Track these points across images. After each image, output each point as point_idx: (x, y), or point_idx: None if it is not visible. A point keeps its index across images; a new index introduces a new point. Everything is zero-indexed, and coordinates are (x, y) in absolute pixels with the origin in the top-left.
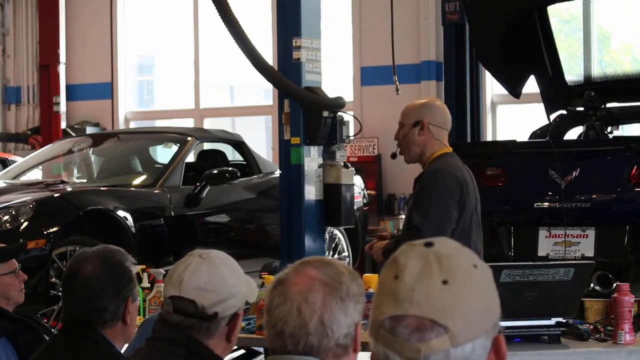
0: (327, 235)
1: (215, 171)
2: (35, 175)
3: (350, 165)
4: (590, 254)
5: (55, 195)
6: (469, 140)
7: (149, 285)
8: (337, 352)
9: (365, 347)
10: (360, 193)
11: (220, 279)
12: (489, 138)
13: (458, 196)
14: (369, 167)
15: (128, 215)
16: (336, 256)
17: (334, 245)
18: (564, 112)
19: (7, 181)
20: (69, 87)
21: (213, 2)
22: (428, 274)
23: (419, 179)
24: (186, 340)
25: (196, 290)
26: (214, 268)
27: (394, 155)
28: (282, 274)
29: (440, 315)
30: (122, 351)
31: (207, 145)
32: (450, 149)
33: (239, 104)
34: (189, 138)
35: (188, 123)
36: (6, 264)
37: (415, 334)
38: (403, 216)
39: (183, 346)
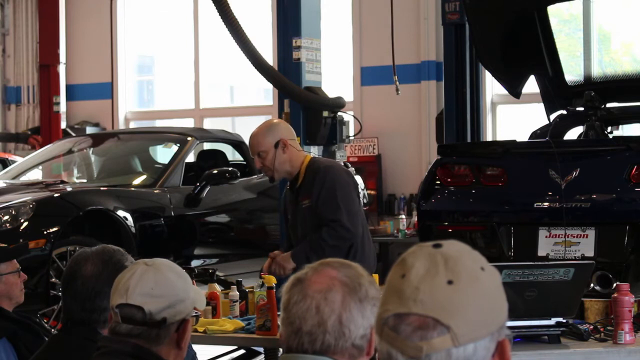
0: None
1: (215, 171)
2: (35, 175)
3: (350, 165)
4: (590, 254)
5: (55, 195)
6: (469, 140)
7: None
8: (352, 353)
9: None
10: (360, 193)
11: (167, 284)
12: (489, 138)
13: (355, 189)
14: (369, 167)
15: (128, 215)
16: None
17: None
18: (564, 112)
19: (7, 181)
20: (69, 87)
21: (213, 2)
22: (434, 274)
23: (309, 185)
24: (131, 350)
25: (143, 296)
26: (160, 274)
27: (272, 180)
28: (301, 273)
29: (443, 314)
30: None
31: (207, 145)
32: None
33: (239, 104)
34: (189, 138)
35: (188, 123)
36: (9, 264)
37: (418, 332)
38: (403, 216)
39: (129, 355)
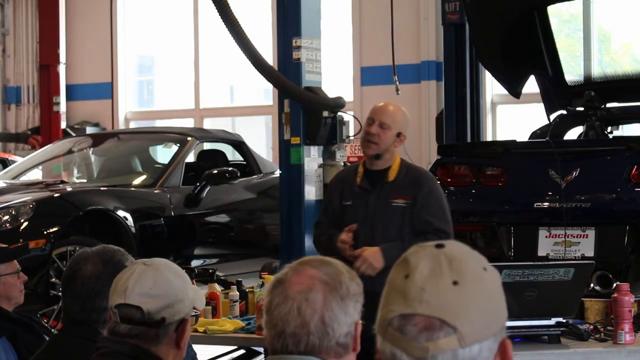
0: None
1: (215, 171)
2: (35, 175)
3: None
4: (590, 254)
5: (55, 195)
6: (469, 140)
7: None
8: (338, 352)
9: None
10: None
11: (165, 284)
12: (489, 138)
13: None
14: None
15: (128, 215)
16: None
17: None
18: (564, 112)
19: (7, 181)
20: (69, 87)
21: (213, 2)
22: (438, 275)
23: (408, 185)
24: (130, 350)
25: (141, 296)
26: (158, 273)
27: (378, 156)
28: (281, 273)
29: (450, 315)
30: None
31: (207, 145)
32: None
33: (239, 104)
34: (189, 138)
35: (188, 123)
36: (9, 264)
37: (424, 333)
38: None
39: (128, 356)
